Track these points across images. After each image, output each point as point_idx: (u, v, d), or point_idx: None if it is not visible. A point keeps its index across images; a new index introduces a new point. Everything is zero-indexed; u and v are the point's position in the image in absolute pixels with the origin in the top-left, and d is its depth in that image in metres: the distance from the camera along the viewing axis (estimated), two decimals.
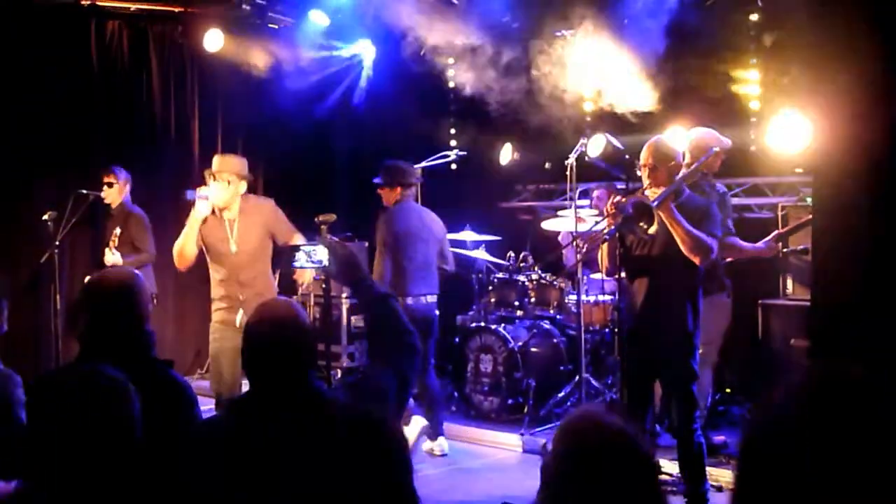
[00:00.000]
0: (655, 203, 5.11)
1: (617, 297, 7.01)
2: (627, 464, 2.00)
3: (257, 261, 6.36)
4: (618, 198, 5.30)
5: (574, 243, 7.35)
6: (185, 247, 6.22)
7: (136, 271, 3.68)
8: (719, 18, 7.90)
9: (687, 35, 7.40)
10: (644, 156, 5.40)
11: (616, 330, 6.97)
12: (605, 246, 5.41)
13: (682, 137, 6.47)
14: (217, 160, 6.37)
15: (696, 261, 5.17)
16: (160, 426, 3.03)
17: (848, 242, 3.58)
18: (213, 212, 6.24)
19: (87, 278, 3.84)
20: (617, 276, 5.46)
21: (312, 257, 4.03)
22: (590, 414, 2.13)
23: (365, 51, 9.54)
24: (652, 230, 5.18)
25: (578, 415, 2.17)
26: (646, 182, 5.35)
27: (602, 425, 2.05)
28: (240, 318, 6.16)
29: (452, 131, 9.96)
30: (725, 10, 7.97)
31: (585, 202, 7.99)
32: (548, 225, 8.31)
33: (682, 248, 5.11)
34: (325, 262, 3.64)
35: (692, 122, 6.89)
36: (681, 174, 5.40)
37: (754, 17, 8.09)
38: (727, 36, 8.10)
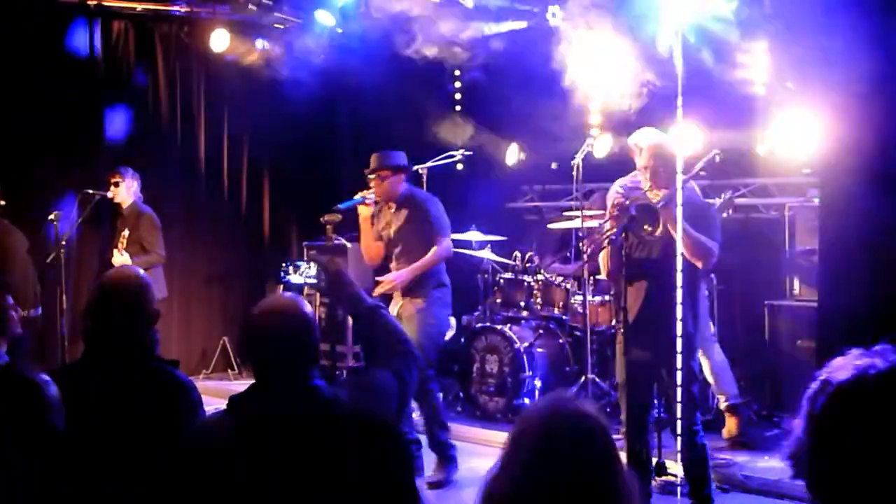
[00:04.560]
0: (660, 205, 5.09)
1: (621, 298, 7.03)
2: (583, 443, 2.01)
3: (411, 254, 6.50)
4: (620, 200, 5.27)
5: (579, 244, 7.36)
6: (364, 246, 6.74)
7: (143, 272, 3.67)
8: (726, 18, 7.88)
9: (694, 35, 7.38)
10: (645, 158, 5.36)
11: (622, 330, 6.98)
12: (606, 248, 5.38)
13: (692, 137, 6.45)
14: (372, 157, 6.59)
15: (698, 264, 5.15)
16: (164, 426, 3.02)
17: (855, 243, 3.57)
18: (382, 207, 6.60)
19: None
20: (622, 278, 5.43)
21: (304, 273, 4.06)
22: (549, 401, 2.15)
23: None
24: (657, 233, 5.16)
25: (538, 404, 2.19)
26: (646, 184, 5.32)
27: (560, 409, 2.07)
28: (396, 308, 6.48)
29: (458, 131, 9.94)
30: (733, 9, 7.94)
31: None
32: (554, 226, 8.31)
33: (683, 250, 5.08)
34: (315, 279, 3.64)
35: (700, 123, 6.89)
36: (691, 173, 5.36)
37: (761, 16, 8.05)
38: (734, 35, 8.08)
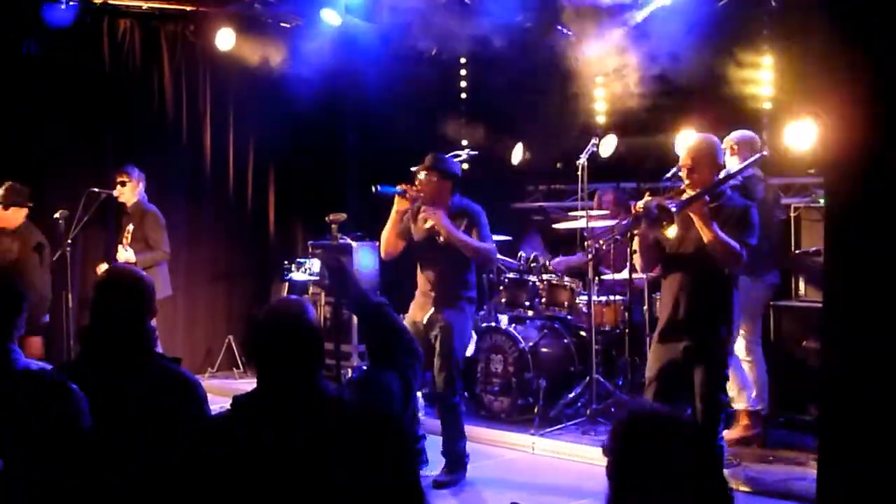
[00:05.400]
0: (676, 208, 5.08)
1: (628, 297, 7.02)
2: (686, 443, 2.13)
3: (455, 261, 6.37)
4: (648, 198, 5.28)
5: (585, 244, 7.36)
6: (385, 237, 6.50)
7: (142, 270, 3.67)
8: (732, 18, 7.88)
9: (700, 35, 7.38)
10: (683, 156, 5.36)
11: (627, 330, 6.97)
12: (636, 244, 5.40)
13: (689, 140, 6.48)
14: (427, 156, 6.45)
15: (725, 266, 5.14)
16: (169, 422, 3.02)
17: (860, 244, 3.56)
18: (421, 206, 6.39)
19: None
20: (653, 274, 5.44)
21: (307, 270, 4.04)
22: (639, 406, 2.30)
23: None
24: (670, 233, 5.14)
25: (628, 411, 2.31)
26: (685, 183, 5.32)
27: (653, 413, 2.18)
28: (427, 315, 6.37)
29: (464, 131, 9.95)
30: (738, 9, 7.94)
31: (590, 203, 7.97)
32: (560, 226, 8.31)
33: (711, 252, 5.08)
34: (319, 276, 3.65)
35: (705, 123, 6.89)
36: (720, 176, 5.35)
37: (768, 17, 8.05)
38: (740, 36, 8.07)
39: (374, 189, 6.33)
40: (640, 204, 5.27)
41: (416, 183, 6.35)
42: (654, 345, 5.39)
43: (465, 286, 6.43)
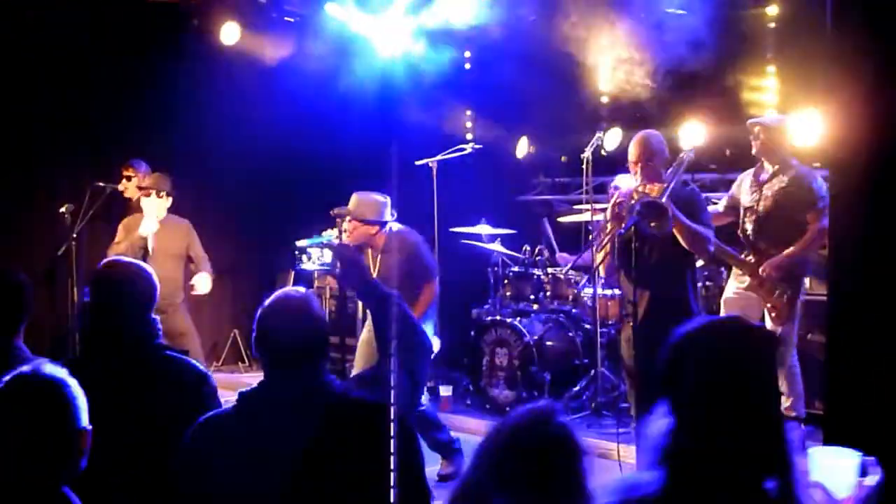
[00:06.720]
0: (664, 199, 5.08)
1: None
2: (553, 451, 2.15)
3: (402, 289, 6.32)
4: (620, 200, 5.26)
5: (590, 237, 7.35)
6: None
7: (141, 262, 3.65)
8: (738, 11, 7.86)
9: (705, 28, 7.37)
10: (635, 152, 5.36)
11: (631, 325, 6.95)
12: (605, 247, 5.40)
13: (696, 132, 6.47)
14: (352, 199, 6.38)
15: (700, 254, 5.16)
16: (181, 415, 3.00)
17: (866, 238, 3.55)
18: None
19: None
20: (617, 275, 5.46)
21: (318, 259, 4.03)
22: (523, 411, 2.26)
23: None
24: (664, 227, 5.14)
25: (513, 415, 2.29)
26: (638, 178, 5.32)
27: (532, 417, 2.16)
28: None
29: (469, 124, 9.94)
30: (744, 2, 7.92)
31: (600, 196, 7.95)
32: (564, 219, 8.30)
33: (682, 242, 5.08)
34: (329, 265, 3.65)
35: (708, 116, 6.88)
36: (680, 167, 5.36)
37: (772, 10, 8.04)
38: (745, 29, 8.06)
39: (297, 247, 6.23)
40: (613, 205, 5.27)
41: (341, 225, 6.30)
42: (631, 346, 5.39)
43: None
